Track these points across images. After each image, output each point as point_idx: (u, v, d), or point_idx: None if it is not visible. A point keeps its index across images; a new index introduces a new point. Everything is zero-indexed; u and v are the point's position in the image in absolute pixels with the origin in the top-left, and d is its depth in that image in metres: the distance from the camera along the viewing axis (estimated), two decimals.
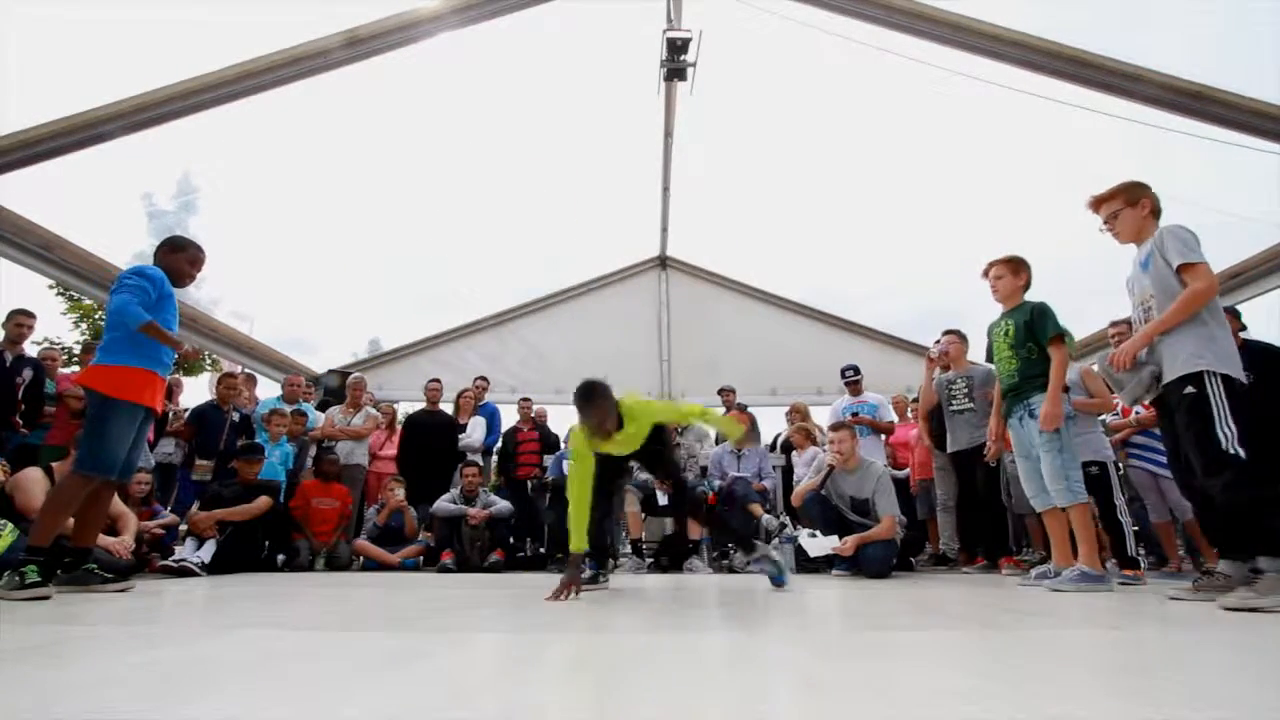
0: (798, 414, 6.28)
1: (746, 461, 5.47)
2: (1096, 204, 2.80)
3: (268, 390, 7.08)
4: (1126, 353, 2.58)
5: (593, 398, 2.77)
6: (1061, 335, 3.18)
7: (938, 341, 5.03)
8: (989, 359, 3.74)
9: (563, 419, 7.65)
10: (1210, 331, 2.43)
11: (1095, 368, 2.89)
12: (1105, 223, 2.78)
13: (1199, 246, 2.47)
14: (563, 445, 6.40)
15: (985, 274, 3.54)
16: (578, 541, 2.83)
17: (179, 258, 3.23)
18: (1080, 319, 3.46)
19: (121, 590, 2.98)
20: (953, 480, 4.87)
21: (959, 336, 4.91)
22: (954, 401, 4.69)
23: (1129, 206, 2.70)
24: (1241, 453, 2.27)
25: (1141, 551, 3.65)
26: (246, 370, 7.06)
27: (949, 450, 4.78)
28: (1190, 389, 2.38)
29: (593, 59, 5.90)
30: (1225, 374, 2.35)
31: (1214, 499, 2.35)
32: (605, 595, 3.04)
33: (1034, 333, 3.25)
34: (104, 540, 3.57)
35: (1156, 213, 2.70)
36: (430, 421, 6.32)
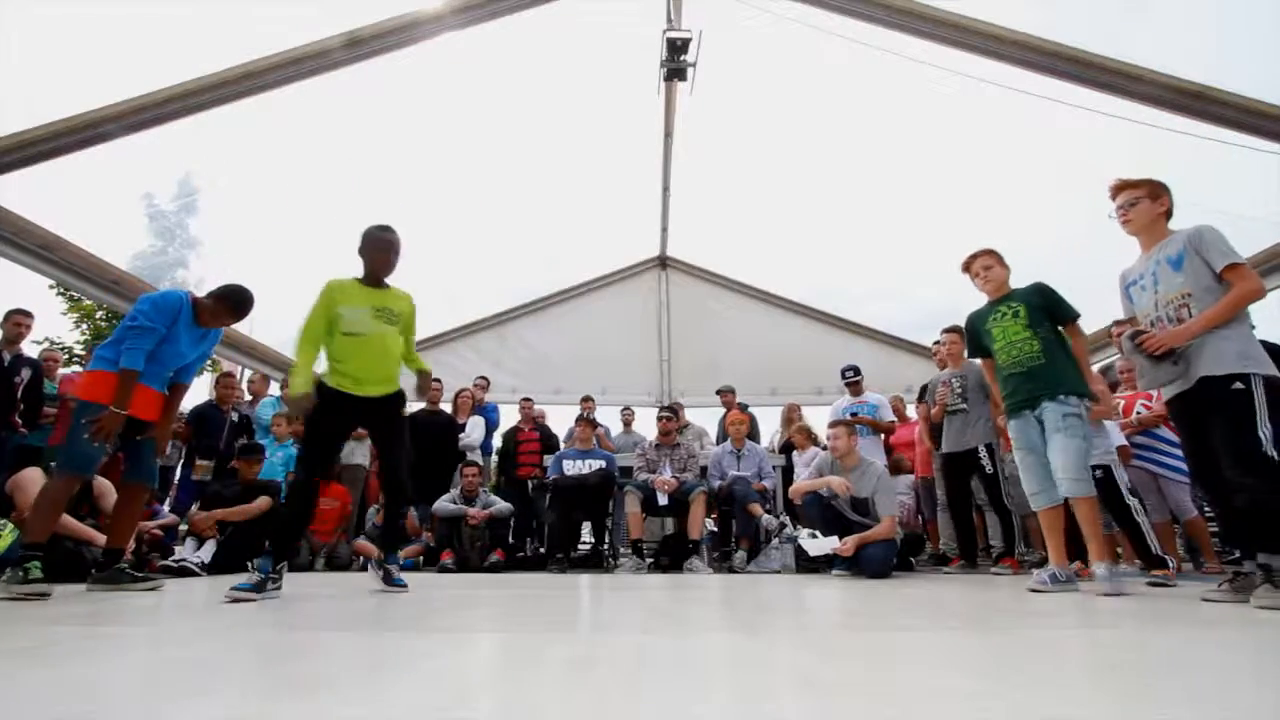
0: (795, 411, 6.33)
1: (746, 461, 5.47)
2: (1119, 189, 2.85)
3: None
4: (1173, 340, 2.56)
5: (392, 232, 3.03)
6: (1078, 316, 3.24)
7: (937, 341, 5.03)
8: (977, 354, 3.62)
9: (563, 419, 7.67)
10: (1249, 332, 2.52)
11: (1116, 353, 2.92)
12: (1120, 208, 2.83)
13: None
14: (562, 445, 6.41)
15: (967, 267, 3.52)
16: (302, 380, 2.74)
17: (220, 309, 3.26)
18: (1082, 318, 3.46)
19: (151, 589, 3.05)
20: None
21: (959, 334, 4.92)
22: (950, 405, 4.71)
23: (1150, 199, 2.77)
24: (1276, 455, 2.33)
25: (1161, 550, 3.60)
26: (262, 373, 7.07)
27: (941, 451, 4.79)
28: (1239, 385, 2.42)
29: (593, 59, 5.89)
30: (1267, 375, 2.42)
31: (1240, 497, 2.36)
32: (605, 595, 3.03)
33: (1052, 313, 3.24)
34: (104, 540, 3.57)
35: (1169, 214, 2.78)
36: (430, 421, 6.32)
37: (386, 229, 3.07)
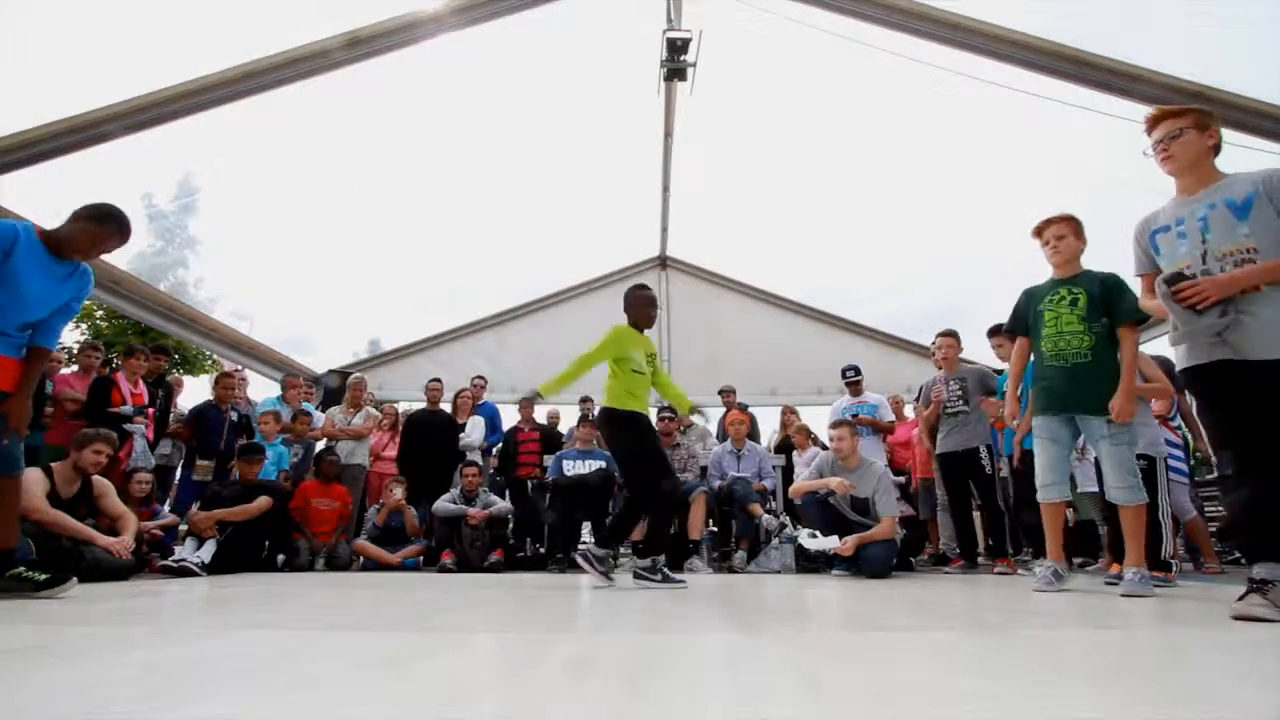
0: (791, 414, 6.36)
1: (746, 461, 5.47)
2: (1158, 119, 2.40)
3: (266, 390, 7.10)
4: (1219, 291, 2.11)
5: (652, 290, 3.45)
6: (1138, 320, 2.86)
7: (936, 340, 5.03)
8: (1017, 329, 3.26)
9: (564, 418, 7.68)
10: None
11: (1155, 291, 2.32)
12: (1159, 144, 2.39)
13: None
14: (564, 444, 6.41)
15: (1038, 233, 3.14)
16: (553, 384, 3.33)
17: (94, 229, 2.80)
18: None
19: (55, 596, 2.64)
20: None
21: (954, 338, 4.93)
22: (948, 404, 4.72)
23: (1197, 130, 2.33)
24: None
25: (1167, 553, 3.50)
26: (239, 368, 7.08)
27: (937, 451, 4.80)
28: None
29: (593, 59, 5.89)
30: None
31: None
32: (606, 595, 3.04)
33: (1110, 308, 2.90)
34: (104, 540, 3.57)
35: (1217, 149, 2.36)
36: (430, 421, 6.32)
37: (647, 287, 3.49)
